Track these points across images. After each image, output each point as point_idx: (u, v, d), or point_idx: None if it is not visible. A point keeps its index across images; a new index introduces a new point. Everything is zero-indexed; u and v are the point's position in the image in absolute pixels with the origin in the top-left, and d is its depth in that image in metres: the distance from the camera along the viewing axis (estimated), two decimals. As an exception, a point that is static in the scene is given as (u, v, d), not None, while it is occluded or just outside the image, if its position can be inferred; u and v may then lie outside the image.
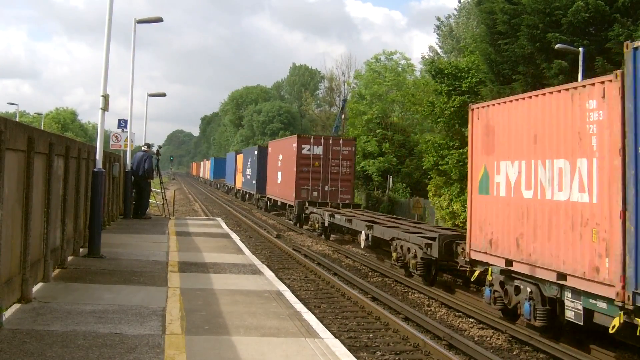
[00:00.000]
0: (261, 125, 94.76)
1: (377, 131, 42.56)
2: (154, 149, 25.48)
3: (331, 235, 24.88)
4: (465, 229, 13.31)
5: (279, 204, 34.05)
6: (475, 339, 10.76)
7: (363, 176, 42.02)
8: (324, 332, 7.92)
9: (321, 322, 8.90)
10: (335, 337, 8.14)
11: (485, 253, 11.80)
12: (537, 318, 10.21)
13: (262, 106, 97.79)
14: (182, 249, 14.80)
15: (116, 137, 24.13)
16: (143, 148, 23.56)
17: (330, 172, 28.66)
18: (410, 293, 14.76)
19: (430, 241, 14.21)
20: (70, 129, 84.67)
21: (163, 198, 27.27)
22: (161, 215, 26.60)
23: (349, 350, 7.62)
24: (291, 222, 30.38)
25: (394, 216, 26.47)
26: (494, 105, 12.01)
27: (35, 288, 9.01)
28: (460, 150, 32.96)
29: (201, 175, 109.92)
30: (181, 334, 7.29)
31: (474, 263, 12.46)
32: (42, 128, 34.21)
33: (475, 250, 12.26)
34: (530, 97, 10.88)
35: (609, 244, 8.46)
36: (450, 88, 34.02)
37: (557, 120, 9.83)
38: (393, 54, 51.96)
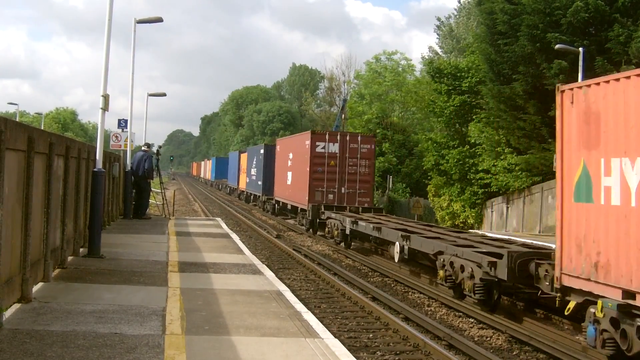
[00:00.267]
0: (261, 125, 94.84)
1: (377, 131, 42.62)
2: (154, 149, 25.51)
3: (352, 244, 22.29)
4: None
5: (288, 207, 31.66)
6: (475, 339, 10.76)
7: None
8: (324, 332, 7.92)
9: (321, 322, 8.90)
10: (335, 337, 8.13)
11: (588, 280, 9.08)
12: None
13: (262, 106, 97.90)
14: (182, 249, 14.80)
15: (116, 137, 24.13)
16: (143, 148, 23.57)
17: (347, 173, 25.94)
18: (410, 293, 14.76)
19: (494, 259, 11.67)
20: (71, 129, 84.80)
21: (163, 198, 27.27)
22: (161, 215, 26.61)
23: (349, 350, 7.62)
24: (303, 227, 27.83)
25: (425, 222, 23.94)
26: (597, 84, 9.21)
27: (35, 288, 9.01)
28: (460, 149, 33.02)
29: (202, 175, 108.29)
30: (181, 334, 7.29)
31: (567, 291, 9.72)
32: (42, 128, 34.21)
33: (569, 275, 9.54)
34: None
35: None
36: (450, 88, 34.07)
37: None
38: (394, 54, 52.10)
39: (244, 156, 49.81)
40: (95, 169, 13.31)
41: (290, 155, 30.59)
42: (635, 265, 8.09)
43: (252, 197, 46.01)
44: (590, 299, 9.09)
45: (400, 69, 50.82)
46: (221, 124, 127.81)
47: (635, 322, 8.16)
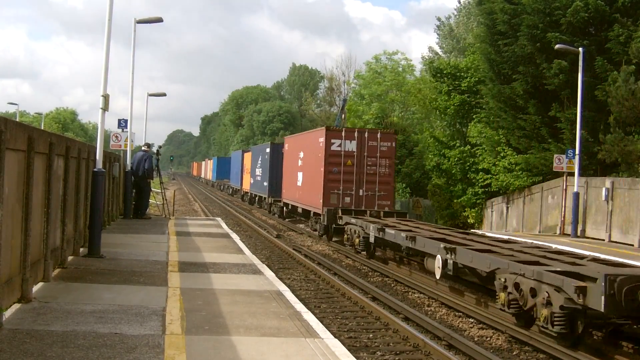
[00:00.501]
0: (261, 125, 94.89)
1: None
2: (154, 149, 25.52)
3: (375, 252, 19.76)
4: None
5: (298, 210, 29.15)
6: (475, 339, 10.76)
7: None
8: (323, 332, 7.92)
9: (321, 322, 8.90)
10: (335, 337, 8.14)
11: None
12: None
13: (262, 106, 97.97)
14: (182, 249, 14.80)
15: (116, 137, 24.10)
16: (143, 148, 23.58)
17: (365, 173, 23.52)
18: (410, 293, 14.76)
19: (582, 283, 9.22)
20: (71, 129, 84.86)
21: (163, 198, 27.28)
22: (161, 215, 26.62)
23: (349, 350, 7.63)
24: (316, 232, 25.34)
25: (461, 230, 20.68)
26: None
27: (35, 288, 9.01)
28: (461, 149, 33.04)
29: (202, 175, 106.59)
30: (181, 334, 7.29)
31: None
32: (42, 128, 34.21)
33: None
34: None
35: None
36: (450, 87, 34.11)
37: None
38: (395, 54, 52.06)
39: (247, 155, 47.28)
40: (95, 169, 13.31)
41: (301, 154, 28.33)
42: None
43: (257, 198, 43.32)
44: None
45: (400, 69, 50.81)
46: (221, 124, 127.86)
47: None
